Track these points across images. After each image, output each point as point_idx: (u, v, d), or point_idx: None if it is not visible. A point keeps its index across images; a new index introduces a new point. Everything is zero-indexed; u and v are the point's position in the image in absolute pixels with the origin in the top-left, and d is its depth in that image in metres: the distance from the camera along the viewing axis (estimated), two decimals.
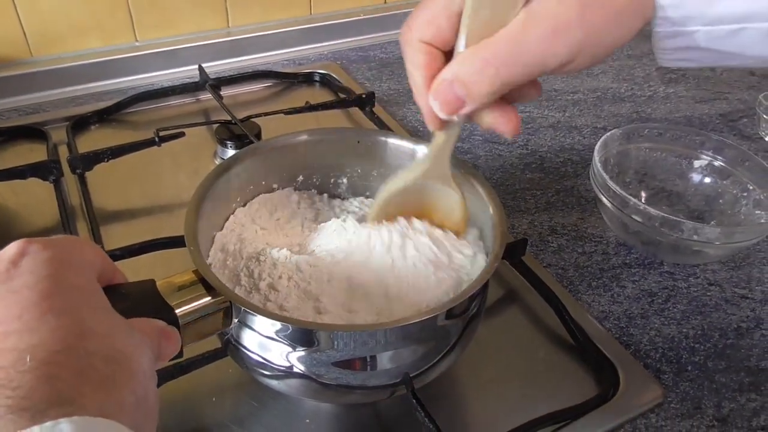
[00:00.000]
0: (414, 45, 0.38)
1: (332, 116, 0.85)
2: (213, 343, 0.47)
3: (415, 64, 0.38)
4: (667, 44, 0.36)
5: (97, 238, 0.63)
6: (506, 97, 0.39)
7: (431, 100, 0.38)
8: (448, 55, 0.38)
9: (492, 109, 0.39)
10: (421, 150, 0.53)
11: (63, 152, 0.76)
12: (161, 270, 0.41)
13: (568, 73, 0.36)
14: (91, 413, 0.25)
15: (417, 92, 0.39)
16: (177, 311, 0.38)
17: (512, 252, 0.60)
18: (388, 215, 0.48)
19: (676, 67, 0.38)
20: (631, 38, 0.35)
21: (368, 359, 0.42)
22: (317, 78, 0.94)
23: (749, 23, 0.33)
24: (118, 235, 0.64)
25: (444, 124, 0.41)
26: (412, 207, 0.48)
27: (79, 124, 0.80)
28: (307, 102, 0.82)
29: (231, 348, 0.45)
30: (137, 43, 0.93)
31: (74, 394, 0.25)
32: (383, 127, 0.81)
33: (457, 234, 0.50)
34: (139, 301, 0.37)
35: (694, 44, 0.35)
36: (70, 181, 0.71)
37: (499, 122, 0.39)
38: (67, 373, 0.26)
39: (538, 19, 0.34)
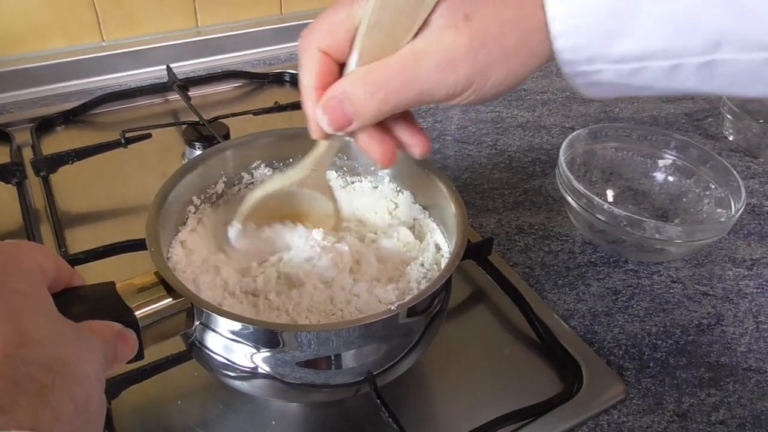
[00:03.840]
0: (311, 52, 0.38)
1: (302, 116, 0.84)
2: (177, 346, 0.47)
3: (309, 71, 0.38)
4: (577, 81, 0.37)
5: (61, 242, 0.62)
6: (391, 132, 0.40)
7: (319, 114, 0.37)
8: (342, 66, 0.38)
9: (372, 134, 0.39)
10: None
11: (27, 154, 0.74)
12: (127, 273, 0.40)
13: (458, 104, 0.37)
14: (24, 424, 0.25)
15: (306, 100, 0.39)
16: (137, 313, 0.38)
17: (479, 251, 0.60)
18: (258, 217, 0.48)
19: (598, 98, 0.38)
20: (524, 79, 0.37)
21: (332, 358, 0.43)
22: (288, 78, 0.94)
23: (649, 62, 0.34)
24: (83, 239, 0.64)
25: (328, 136, 0.41)
26: (284, 211, 0.48)
27: (44, 126, 0.79)
28: (276, 102, 0.82)
29: (195, 350, 0.45)
30: (104, 43, 0.92)
31: (9, 404, 0.25)
32: None
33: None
34: (98, 304, 0.37)
35: (603, 81, 0.36)
36: (34, 183, 0.70)
37: (374, 148, 0.40)
38: (2, 383, 0.26)
39: (430, 52, 0.35)
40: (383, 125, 0.39)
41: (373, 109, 0.36)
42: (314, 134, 0.41)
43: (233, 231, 0.48)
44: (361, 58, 0.36)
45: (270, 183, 0.47)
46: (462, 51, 0.35)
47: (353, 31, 0.37)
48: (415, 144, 0.41)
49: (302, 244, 0.49)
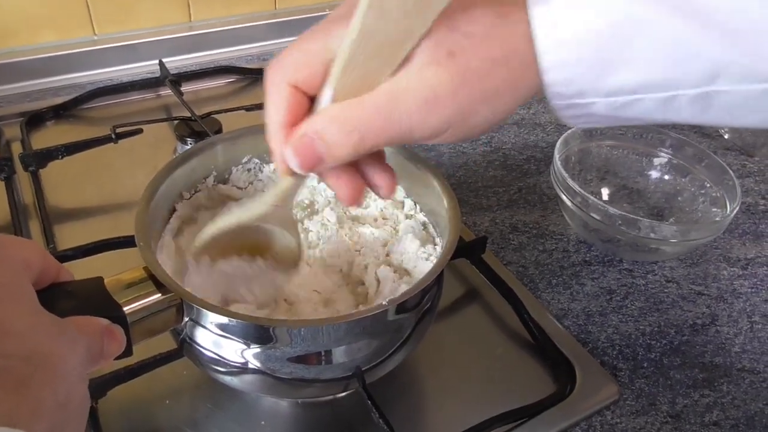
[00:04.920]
0: (280, 87, 0.35)
1: None
2: (165, 344, 0.47)
3: (277, 106, 0.35)
4: (565, 113, 0.35)
5: (49, 238, 0.61)
6: (358, 169, 0.38)
7: (289, 153, 0.35)
8: (313, 99, 0.36)
9: (339, 172, 0.37)
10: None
11: (17, 149, 0.74)
12: (117, 270, 0.40)
13: (435, 143, 0.35)
14: (1, 419, 0.24)
15: (273, 136, 0.36)
16: (125, 309, 0.37)
17: (472, 250, 0.60)
18: (214, 251, 0.44)
19: (586, 128, 0.37)
20: (510, 114, 0.35)
21: (322, 353, 0.42)
22: None
23: (643, 94, 0.33)
24: (72, 235, 0.63)
25: (295, 173, 0.38)
26: (242, 242, 0.44)
27: (34, 120, 0.78)
28: None
29: (186, 346, 0.44)
30: (95, 37, 0.91)
31: None
32: None
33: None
34: (85, 300, 0.37)
35: (593, 113, 0.34)
36: (22, 178, 0.69)
37: (341, 187, 0.38)
38: None
39: (409, 91, 0.33)
40: (351, 162, 0.37)
41: (347, 150, 0.34)
42: (281, 171, 0.38)
43: (188, 264, 0.44)
44: (335, 94, 0.34)
45: (228, 217, 0.43)
46: (444, 90, 0.32)
47: (328, 63, 0.34)
48: (381, 185, 0.39)
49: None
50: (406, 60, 0.33)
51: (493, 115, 0.34)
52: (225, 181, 0.54)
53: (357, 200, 0.38)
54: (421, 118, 0.33)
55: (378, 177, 0.39)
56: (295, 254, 0.46)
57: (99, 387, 0.46)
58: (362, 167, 0.39)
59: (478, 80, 0.33)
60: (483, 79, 0.33)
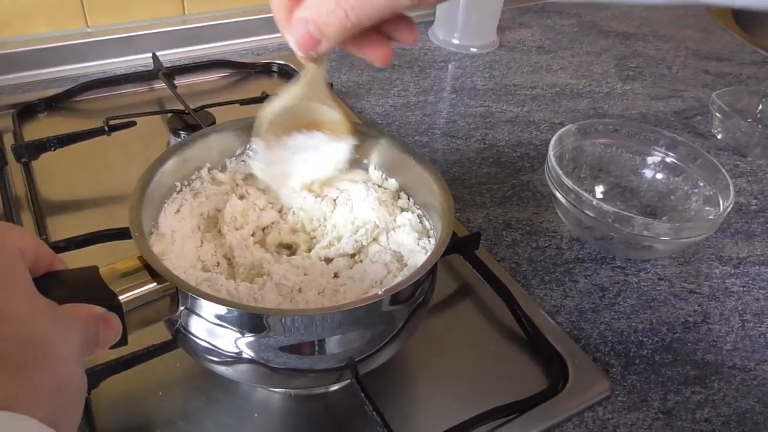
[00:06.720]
0: None
1: None
2: (159, 335, 0.47)
3: None
4: None
5: (42, 230, 0.61)
6: (380, 30, 0.40)
7: (289, 39, 0.37)
8: None
9: (360, 40, 0.39)
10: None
11: (9, 140, 0.73)
12: (108, 262, 0.39)
13: (422, 7, 0.35)
14: None
15: (280, 27, 0.39)
16: (120, 297, 0.37)
17: (466, 246, 0.60)
18: (277, 130, 0.49)
19: None
20: None
21: (315, 343, 0.42)
22: (275, 69, 0.93)
23: None
24: (65, 227, 0.63)
25: (312, 56, 0.41)
26: (300, 122, 0.49)
27: (26, 112, 0.78)
28: (263, 92, 0.81)
29: (180, 336, 0.44)
30: (89, 29, 0.90)
31: None
32: None
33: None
34: (80, 288, 0.36)
35: None
36: (15, 170, 0.69)
37: (367, 53, 0.40)
38: None
39: None
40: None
41: (336, 28, 0.35)
42: (298, 55, 0.40)
43: (255, 146, 0.49)
44: None
45: (275, 101, 0.47)
46: None
47: None
48: (404, 36, 0.40)
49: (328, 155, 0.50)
50: None
51: None
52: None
53: (385, 60, 0.40)
54: None
55: (399, 31, 0.40)
56: (344, 126, 0.49)
57: (92, 378, 0.46)
58: (384, 28, 0.40)
59: None
60: None
